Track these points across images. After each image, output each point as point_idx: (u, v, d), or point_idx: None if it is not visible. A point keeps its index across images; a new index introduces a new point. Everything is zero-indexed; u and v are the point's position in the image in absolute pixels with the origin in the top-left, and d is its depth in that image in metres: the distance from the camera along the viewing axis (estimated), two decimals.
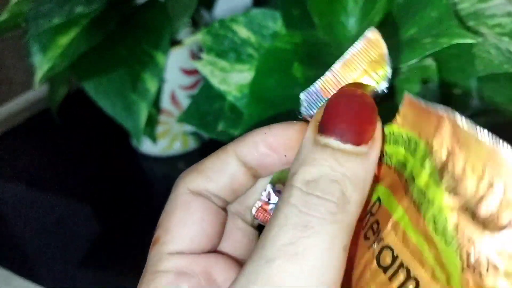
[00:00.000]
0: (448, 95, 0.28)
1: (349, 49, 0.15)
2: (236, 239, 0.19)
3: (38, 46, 0.40)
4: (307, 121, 0.17)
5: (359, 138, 0.14)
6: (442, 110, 0.13)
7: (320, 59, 0.34)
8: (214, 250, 0.18)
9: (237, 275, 0.14)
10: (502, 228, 0.11)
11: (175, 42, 0.45)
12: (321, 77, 0.16)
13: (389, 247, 0.14)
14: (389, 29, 0.31)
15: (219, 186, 0.18)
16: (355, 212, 0.14)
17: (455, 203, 0.12)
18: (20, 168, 0.52)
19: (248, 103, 0.32)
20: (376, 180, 0.16)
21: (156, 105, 0.46)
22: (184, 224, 0.17)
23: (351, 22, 0.34)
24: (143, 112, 0.41)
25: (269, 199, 0.18)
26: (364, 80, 0.16)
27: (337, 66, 0.16)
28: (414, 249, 0.13)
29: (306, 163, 0.14)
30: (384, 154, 0.16)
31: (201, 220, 0.17)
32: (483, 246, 0.11)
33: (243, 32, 0.35)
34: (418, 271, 0.13)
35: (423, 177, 0.13)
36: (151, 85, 0.41)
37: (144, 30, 0.42)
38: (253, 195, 0.19)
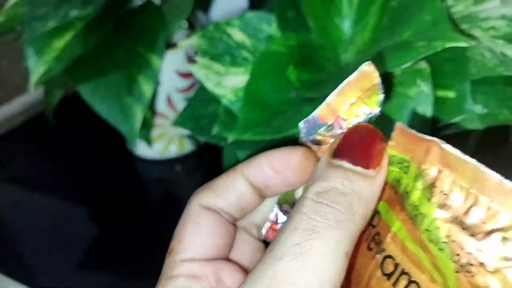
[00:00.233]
0: (442, 98, 0.28)
1: (345, 80, 0.17)
2: (244, 251, 0.21)
3: (33, 49, 0.40)
4: (307, 146, 0.19)
5: (369, 163, 0.16)
6: (430, 137, 0.15)
7: (315, 62, 0.34)
8: (224, 259, 0.20)
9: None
10: (487, 234, 0.13)
11: (170, 45, 0.45)
12: (318, 106, 0.17)
13: (390, 256, 0.16)
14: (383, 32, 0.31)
15: (228, 204, 0.19)
16: (359, 224, 0.15)
17: (445, 215, 0.14)
18: (15, 171, 0.52)
19: (242, 106, 0.32)
20: None
21: (151, 108, 0.46)
22: (195, 235, 0.19)
23: (346, 25, 0.34)
24: (138, 115, 0.41)
25: (277, 219, 0.20)
26: (359, 106, 0.17)
27: (332, 95, 0.17)
28: (413, 257, 0.15)
29: (320, 179, 0.16)
30: None
31: (211, 232, 0.19)
32: (472, 250, 0.13)
33: (237, 35, 0.35)
34: (418, 276, 0.15)
35: (416, 194, 0.15)
36: (146, 88, 0.41)
37: (139, 33, 0.42)
38: (260, 213, 0.21)
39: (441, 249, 0.14)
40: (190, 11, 0.43)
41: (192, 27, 0.49)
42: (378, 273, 0.16)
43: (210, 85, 0.34)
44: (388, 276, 0.15)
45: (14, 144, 0.56)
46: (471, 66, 0.28)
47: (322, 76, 0.33)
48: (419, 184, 0.15)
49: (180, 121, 0.37)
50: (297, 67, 0.33)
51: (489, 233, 0.13)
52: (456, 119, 0.28)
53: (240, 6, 0.52)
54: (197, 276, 0.18)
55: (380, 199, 0.17)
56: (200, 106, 0.37)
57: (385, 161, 0.16)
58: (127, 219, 0.45)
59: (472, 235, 0.13)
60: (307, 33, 0.35)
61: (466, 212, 0.13)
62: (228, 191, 0.19)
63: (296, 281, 0.14)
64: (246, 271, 0.20)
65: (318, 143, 0.18)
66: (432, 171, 0.14)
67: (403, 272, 0.15)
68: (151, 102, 0.44)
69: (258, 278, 0.14)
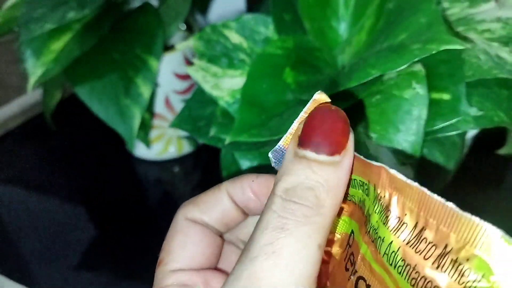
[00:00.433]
0: (437, 100, 0.28)
1: (303, 109, 0.17)
2: (232, 260, 0.21)
3: (31, 51, 0.40)
4: None
5: (333, 149, 0.16)
6: (378, 164, 0.15)
7: (311, 64, 0.34)
8: (212, 269, 0.21)
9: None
10: (439, 257, 0.13)
11: (168, 47, 0.45)
12: (283, 136, 0.18)
13: (363, 278, 0.16)
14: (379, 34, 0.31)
15: (212, 219, 0.20)
16: (329, 215, 0.16)
17: (399, 239, 0.14)
18: (14, 173, 0.52)
19: (239, 108, 0.32)
20: (349, 214, 0.18)
21: (150, 109, 0.46)
22: (183, 246, 0.20)
23: (342, 27, 0.34)
24: (136, 117, 0.41)
25: None
26: None
27: (295, 123, 0.18)
28: (380, 278, 0.15)
29: (286, 173, 0.16)
30: (349, 194, 0.18)
31: (198, 243, 0.20)
32: (427, 273, 0.13)
33: (235, 37, 0.35)
34: None
35: (374, 217, 0.15)
36: (144, 90, 0.41)
37: (137, 34, 0.42)
38: (244, 228, 0.21)
39: (399, 273, 0.14)
40: (187, 13, 0.43)
41: (190, 29, 0.49)
42: None
43: (207, 87, 0.34)
44: None
45: (13, 146, 0.56)
46: (466, 69, 0.28)
47: (319, 78, 0.33)
48: (377, 207, 0.15)
49: (177, 123, 0.37)
50: (294, 69, 0.33)
51: (441, 256, 0.13)
52: (451, 121, 0.28)
53: (238, 9, 0.52)
54: (187, 285, 0.19)
55: (349, 214, 0.17)
56: (197, 108, 0.37)
57: (350, 143, 0.16)
58: (125, 219, 0.45)
59: (426, 258, 0.13)
60: (304, 35, 0.35)
61: (418, 235, 0.14)
62: (212, 208, 0.20)
63: (271, 280, 0.14)
64: None
65: None
66: (386, 195, 0.15)
67: None
68: (150, 104, 0.44)
69: (236, 279, 0.15)
